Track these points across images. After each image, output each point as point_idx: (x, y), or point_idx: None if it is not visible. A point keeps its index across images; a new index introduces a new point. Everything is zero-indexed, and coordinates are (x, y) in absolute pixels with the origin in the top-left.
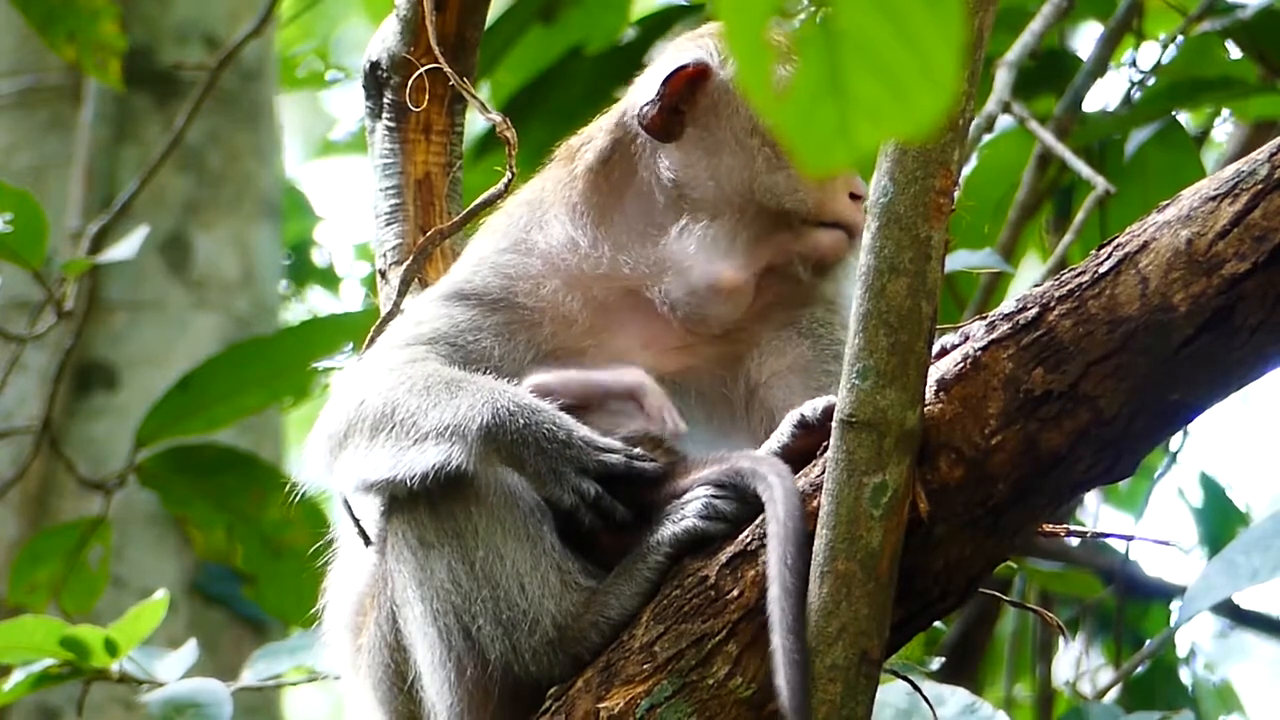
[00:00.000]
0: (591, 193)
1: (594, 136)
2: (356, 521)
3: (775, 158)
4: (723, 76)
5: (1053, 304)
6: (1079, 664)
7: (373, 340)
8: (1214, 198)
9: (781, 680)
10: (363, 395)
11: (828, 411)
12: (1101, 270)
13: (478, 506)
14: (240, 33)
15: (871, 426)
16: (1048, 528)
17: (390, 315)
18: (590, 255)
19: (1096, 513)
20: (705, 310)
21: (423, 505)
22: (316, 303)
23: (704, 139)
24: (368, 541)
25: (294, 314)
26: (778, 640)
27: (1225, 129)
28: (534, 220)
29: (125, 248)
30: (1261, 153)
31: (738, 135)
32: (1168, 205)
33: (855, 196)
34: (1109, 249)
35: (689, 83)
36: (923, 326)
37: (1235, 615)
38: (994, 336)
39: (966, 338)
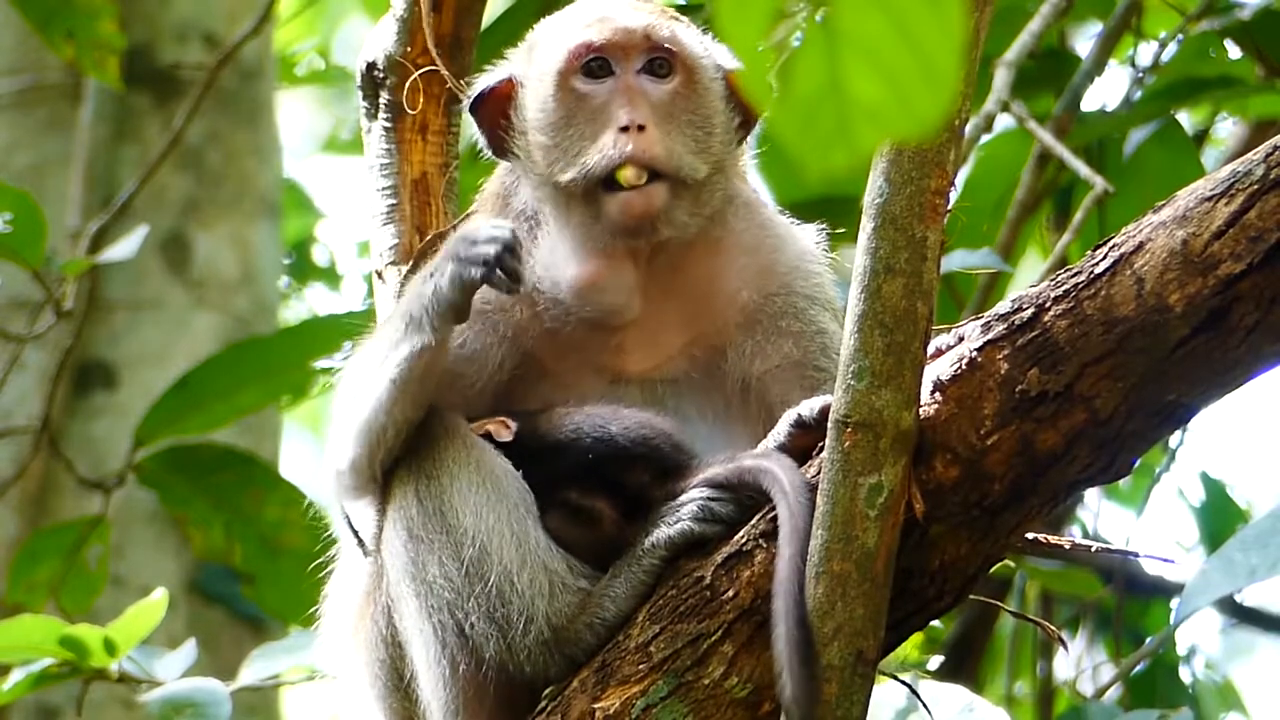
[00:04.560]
0: None
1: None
2: (353, 527)
3: (549, 139)
4: (519, 84)
5: (1048, 304)
6: (1079, 662)
7: None
8: (1210, 198)
9: (785, 670)
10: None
11: (825, 411)
12: (1097, 271)
13: (463, 501)
14: (240, 32)
15: (867, 427)
16: (1052, 540)
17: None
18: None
19: (1097, 510)
20: (593, 310)
21: (411, 497)
22: (317, 300)
23: (516, 147)
24: (364, 549)
25: (294, 312)
26: (782, 629)
27: (1226, 127)
28: None
29: (125, 247)
30: (1257, 153)
31: (528, 132)
32: (1163, 206)
33: (624, 129)
34: (1105, 249)
35: (501, 101)
36: (918, 327)
37: (1238, 613)
38: (989, 337)
39: (961, 339)
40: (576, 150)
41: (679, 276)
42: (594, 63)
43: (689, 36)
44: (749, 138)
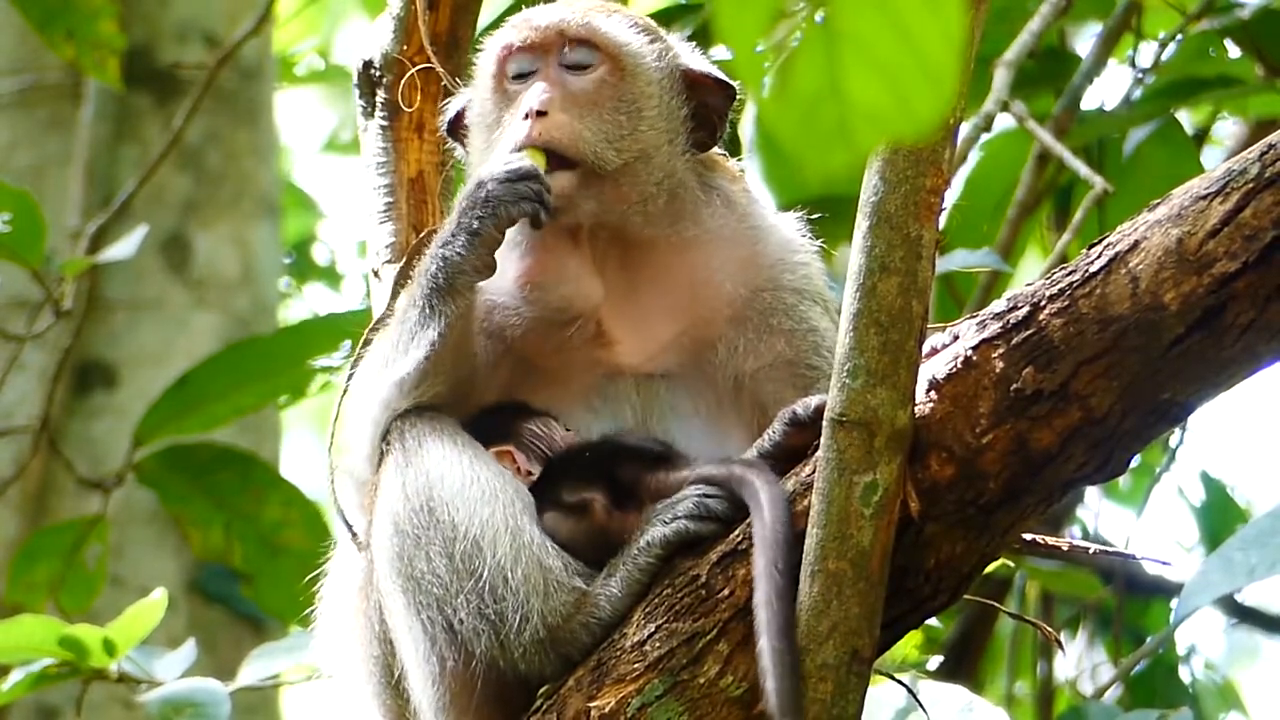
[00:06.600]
0: None
1: None
2: (347, 522)
3: (481, 140)
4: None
5: (1043, 303)
6: (1079, 662)
7: (366, 341)
8: (1204, 196)
9: (771, 683)
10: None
11: (819, 409)
12: (1092, 269)
13: (454, 496)
14: (239, 32)
15: (862, 425)
16: (1050, 541)
17: (384, 314)
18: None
19: (1097, 510)
20: (543, 304)
21: (398, 492)
22: (317, 300)
23: (466, 152)
24: (358, 543)
25: (294, 312)
26: (766, 643)
27: (1226, 126)
28: None
29: (124, 247)
30: (1252, 151)
31: (470, 136)
32: (1159, 204)
33: (526, 116)
34: (1100, 248)
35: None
36: (914, 325)
37: (1239, 613)
38: (985, 335)
39: (957, 337)
40: (495, 145)
41: (651, 270)
42: (518, 62)
43: (613, 27)
44: (717, 135)
